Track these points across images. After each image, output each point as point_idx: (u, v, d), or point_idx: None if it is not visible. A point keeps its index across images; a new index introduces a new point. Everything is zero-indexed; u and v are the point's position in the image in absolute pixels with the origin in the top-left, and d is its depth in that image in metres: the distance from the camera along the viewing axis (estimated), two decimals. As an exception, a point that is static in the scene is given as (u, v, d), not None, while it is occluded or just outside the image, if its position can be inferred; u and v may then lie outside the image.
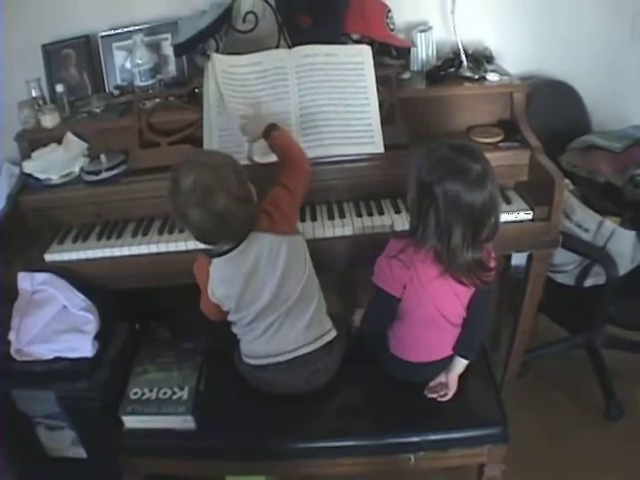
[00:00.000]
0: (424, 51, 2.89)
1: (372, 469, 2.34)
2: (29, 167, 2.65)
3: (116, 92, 2.90)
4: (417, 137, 2.50)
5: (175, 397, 2.30)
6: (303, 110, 2.57)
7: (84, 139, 2.73)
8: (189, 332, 2.58)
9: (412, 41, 2.89)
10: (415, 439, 2.21)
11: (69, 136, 2.71)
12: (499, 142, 2.62)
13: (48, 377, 2.32)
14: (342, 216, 2.51)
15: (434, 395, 2.27)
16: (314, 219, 2.51)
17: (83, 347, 2.34)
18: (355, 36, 2.79)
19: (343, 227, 2.46)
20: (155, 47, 2.88)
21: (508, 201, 2.50)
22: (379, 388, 2.34)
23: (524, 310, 2.71)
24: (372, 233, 2.46)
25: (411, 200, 2.04)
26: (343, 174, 2.55)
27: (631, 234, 2.73)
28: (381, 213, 2.51)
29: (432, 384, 2.29)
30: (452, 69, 2.79)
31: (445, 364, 2.27)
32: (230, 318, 2.27)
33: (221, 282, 2.18)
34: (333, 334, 2.32)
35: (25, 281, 2.43)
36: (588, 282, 2.81)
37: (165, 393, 2.32)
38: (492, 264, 2.11)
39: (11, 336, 2.34)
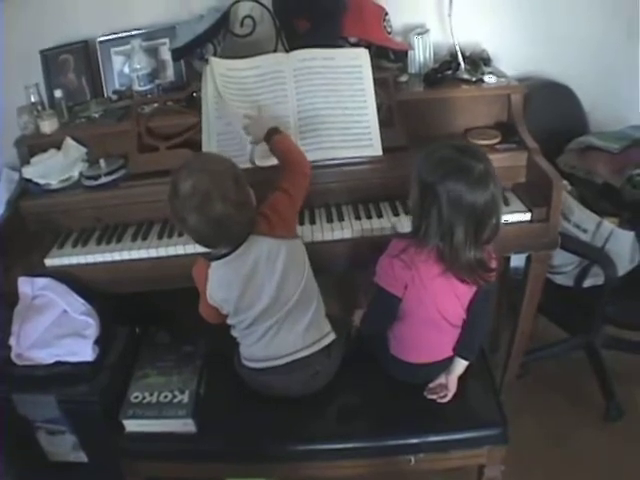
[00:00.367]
0: (421, 54, 2.90)
1: (372, 471, 2.34)
2: (28, 172, 2.66)
3: (114, 97, 2.91)
4: (415, 140, 2.51)
5: (175, 401, 2.30)
6: (301, 114, 2.57)
7: (83, 144, 2.74)
8: (189, 336, 2.58)
9: (409, 44, 2.90)
10: (415, 440, 2.22)
11: (68, 141, 2.72)
12: (497, 144, 2.63)
13: (49, 381, 2.32)
14: (341, 219, 2.52)
15: (434, 396, 2.27)
16: (313, 222, 2.52)
17: (83, 351, 2.34)
18: (353, 39, 2.80)
19: (342, 230, 2.46)
20: (153, 52, 2.89)
21: (506, 203, 2.49)
22: (379, 390, 2.34)
23: (523, 311, 2.71)
24: (371, 236, 2.46)
25: (413, 199, 2.04)
26: (341, 177, 2.56)
27: (629, 234, 2.73)
28: (380, 216, 2.51)
29: (432, 385, 2.30)
30: (449, 71, 2.79)
31: (445, 365, 2.28)
32: (229, 321, 2.28)
33: (220, 285, 2.18)
34: (332, 337, 2.32)
35: (25, 286, 2.43)
36: (587, 283, 2.82)
37: (166, 397, 2.32)
38: (493, 264, 2.11)
39: (12, 341, 2.35)
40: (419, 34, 2.89)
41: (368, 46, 2.70)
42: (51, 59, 2.93)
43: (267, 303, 2.17)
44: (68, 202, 2.64)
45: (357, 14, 2.76)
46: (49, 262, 2.52)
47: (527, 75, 3.08)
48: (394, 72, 2.82)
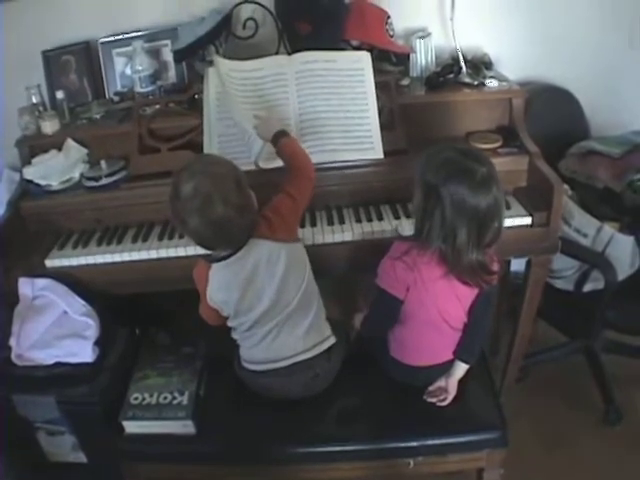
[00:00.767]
0: (423, 57, 2.90)
1: (371, 474, 2.33)
2: (29, 173, 2.66)
3: (116, 98, 2.91)
4: (416, 143, 2.50)
5: (175, 402, 2.31)
6: (303, 116, 2.58)
7: (84, 145, 2.74)
8: (189, 337, 2.58)
9: (411, 47, 2.90)
10: (414, 443, 2.22)
11: (69, 142, 2.72)
12: (498, 148, 2.63)
13: (49, 382, 2.32)
14: (341, 222, 2.52)
15: (433, 399, 2.27)
16: (313, 225, 2.52)
17: (83, 352, 2.35)
18: (355, 42, 2.81)
19: (342, 233, 2.47)
20: (155, 53, 2.89)
21: (507, 206, 2.49)
22: (378, 392, 2.34)
23: (523, 315, 2.71)
24: (371, 239, 2.46)
25: (416, 201, 2.04)
26: (342, 180, 2.56)
27: (630, 239, 2.73)
28: (380, 219, 2.51)
29: (431, 388, 2.30)
30: (451, 75, 2.80)
31: (445, 368, 2.28)
32: (229, 324, 2.28)
33: (219, 287, 2.18)
34: (332, 341, 2.32)
35: (26, 287, 2.44)
36: (587, 287, 2.81)
37: (165, 398, 2.32)
38: (495, 267, 2.12)
39: (12, 341, 2.35)
40: (421, 37, 2.89)
41: (370, 49, 2.70)
42: (53, 60, 2.93)
43: (267, 306, 2.18)
44: (69, 203, 2.64)
45: (359, 17, 2.77)
46: (49, 263, 2.52)
47: (528, 79, 3.08)
48: (396, 75, 2.82)
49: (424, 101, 2.74)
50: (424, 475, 2.36)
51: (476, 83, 2.75)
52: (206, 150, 2.58)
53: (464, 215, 1.94)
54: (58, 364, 2.35)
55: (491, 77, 2.76)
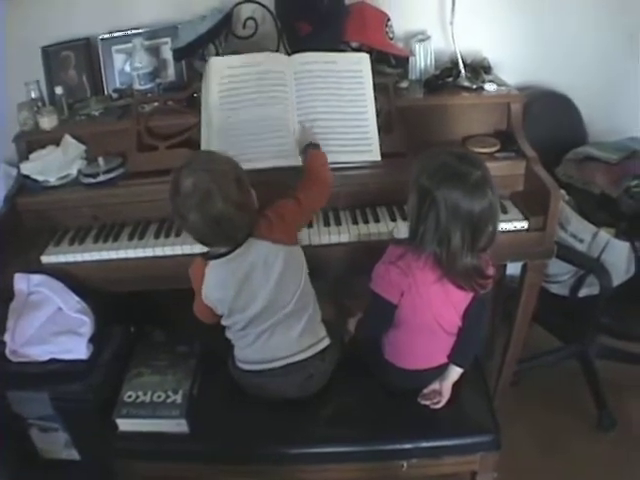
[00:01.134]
0: (422, 60, 2.90)
1: (365, 475, 2.34)
2: (27, 169, 2.65)
3: (115, 95, 2.91)
4: (414, 146, 2.50)
5: (169, 401, 2.30)
6: (301, 117, 2.57)
7: (82, 141, 2.73)
8: (184, 336, 2.58)
9: (411, 50, 2.90)
10: (408, 446, 2.22)
11: (67, 138, 2.71)
12: (495, 152, 2.63)
13: (42, 379, 2.32)
14: (338, 223, 2.52)
15: (427, 402, 2.27)
16: (310, 225, 2.51)
17: (78, 349, 2.34)
18: (354, 44, 2.81)
19: (339, 234, 2.46)
20: (155, 51, 2.89)
21: (504, 211, 2.49)
22: (372, 395, 2.34)
23: (518, 319, 2.71)
24: (368, 240, 2.46)
25: (411, 205, 2.04)
26: (339, 181, 2.54)
27: (625, 245, 2.74)
28: (377, 221, 2.51)
29: (426, 391, 2.30)
30: (450, 79, 2.80)
31: (439, 372, 2.28)
32: (223, 322, 2.28)
33: (215, 285, 2.18)
34: (327, 342, 2.32)
35: (21, 282, 2.43)
36: (582, 292, 2.82)
37: (159, 396, 2.32)
38: (490, 271, 2.12)
39: (6, 337, 2.34)
40: (420, 40, 2.89)
41: (369, 51, 2.70)
42: (52, 56, 2.93)
43: (262, 306, 2.18)
44: (66, 199, 2.64)
45: (359, 19, 2.77)
46: (45, 259, 2.51)
47: (527, 84, 3.09)
48: (395, 78, 2.82)
49: (422, 104, 2.74)
50: (417, 477, 2.37)
51: (475, 87, 2.75)
52: (204, 144, 2.58)
53: (458, 219, 1.94)
54: (52, 360, 2.34)
55: (490, 81, 2.76)
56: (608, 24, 3.05)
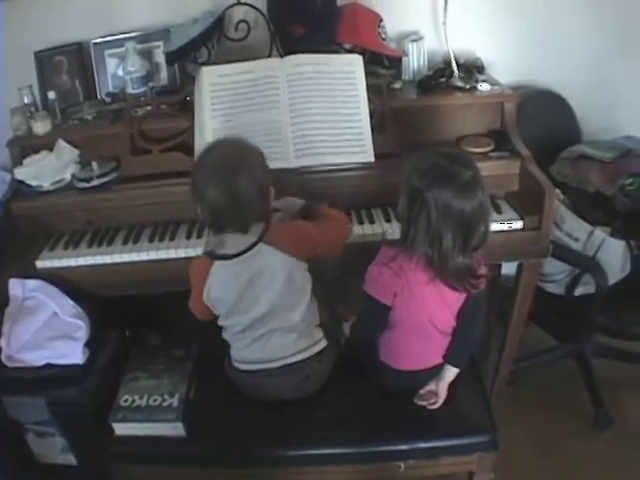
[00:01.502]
0: (415, 61, 2.90)
1: (362, 477, 2.33)
2: (21, 174, 2.65)
3: (108, 99, 2.90)
4: (408, 146, 2.49)
5: (165, 404, 2.29)
6: (294, 119, 2.57)
7: (76, 146, 2.73)
8: (180, 339, 2.57)
9: (404, 51, 2.90)
10: (405, 447, 2.22)
11: (61, 143, 2.71)
12: (489, 152, 2.63)
13: (38, 384, 2.31)
14: (333, 224, 2.51)
15: (424, 403, 2.27)
16: (305, 227, 2.51)
17: (74, 354, 2.34)
18: (347, 45, 2.81)
19: (334, 235, 2.46)
20: (147, 55, 2.88)
21: (499, 210, 2.50)
22: (369, 396, 2.33)
23: (514, 319, 2.71)
24: (363, 242, 2.46)
25: (402, 206, 2.04)
26: (333, 183, 2.55)
27: (621, 244, 2.74)
28: (372, 222, 2.52)
29: (422, 392, 2.29)
30: (443, 79, 2.80)
31: (435, 372, 2.27)
32: (220, 323, 2.27)
33: (218, 285, 2.17)
34: (324, 344, 2.32)
35: (16, 287, 2.43)
36: (578, 291, 2.82)
37: (155, 400, 2.31)
38: (482, 271, 2.11)
39: (2, 342, 2.34)
40: (413, 41, 2.89)
41: (362, 52, 2.70)
42: (45, 60, 2.92)
43: (263, 312, 2.17)
44: (60, 204, 2.63)
45: (352, 20, 2.77)
46: (40, 264, 2.51)
47: (521, 83, 3.09)
48: (388, 79, 2.82)
49: (416, 104, 2.74)
50: (415, 478, 2.36)
51: (468, 87, 2.75)
52: (197, 148, 2.58)
53: (449, 219, 1.94)
54: (48, 365, 2.34)
55: (483, 81, 2.77)
56: (601, 22, 3.06)
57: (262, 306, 2.17)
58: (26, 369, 2.33)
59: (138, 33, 2.89)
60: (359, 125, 2.58)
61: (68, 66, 2.94)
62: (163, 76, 2.94)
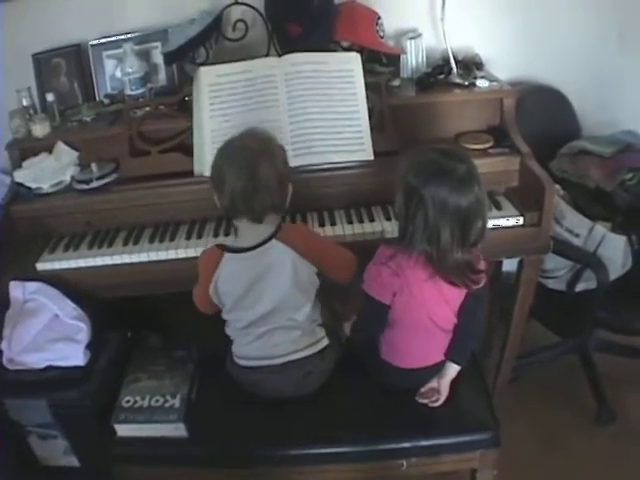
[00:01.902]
0: (414, 58, 2.90)
1: (364, 476, 2.34)
2: (20, 176, 2.65)
3: (106, 101, 2.90)
4: (407, 144, 2.48)
5: (167, 405, 2.29)
6: (293, 118, 2.57)
7: (75, 148, 2.73)
8: (181, 340, 2.57)
9: (402, 48, 2.90)
10: (407, 445, 2.21)
11: (60, 145, 2.71)
12: (489, 148, 2.63)
13: (40, 386, 2.31)
14: (333, 223, 2.51)
15: (425, 400, 2.27)
16: (305, 226, 2.51)
17: (75, 356, 2.34)
18: (345, 44, 2.81)
19: (334, 234, 2.46)
20: (145, 55, 2.89)
21: (498, 207, 2.50)
22: (370, 394, 2.33)
23: (515, 316, 2.71)
24: (363, 240, 2.46)
25: (399, 204, 2.04)
26: (333, 181, 2.56)
27: (622, 239, 2.73)
28: (372, 220, 2.51)
29: (424, 389, 2.29)
30: (442, 76, 2.80)
31: (437, 370, 2.27)
32: (224, 316, 2.28)
33: (227, 278, 2.17)
34: (325, 342, 2.32)
35: (17, 290, 2.43)
36: (579, 287, 2.82)
37: (157, 401, 2.31)
38: (481, 266, 2.11)
39: (3, 345, 2.34)
40: (411, 38, 2.89)
41: (360, 50, 2.70)
42: (43, 63, 2.92)
43: (268, 309, 2.18)
44: (60, 206, 2.63)
45: (349, 18, 2.77)
46: (40, 266, 2.51)
47: (519, 79, 3.08)
48: (386, 76, 2.82)
49: (415, 102, 2.74)
50: (417, 476, 2.36)
51: (467, 83, 2.75)
52: (196, 148, 2.59)
53: (447, 215, 1.93)
54: (49, 368, 2.34)
55: (482, 77, 2.76)
56: (599, 17, 3.05)
57: (267, 303, 2.18)
58: (27, 371, 2.33)
59: (136, 34, 2.89)
60: (358, 123, 2.58)
61: (66, 68, 2.94)
62: (161, 77, 2.94)
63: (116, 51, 2.88)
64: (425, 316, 2.13)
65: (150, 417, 2.27)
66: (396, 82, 2.86)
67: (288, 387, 2.29)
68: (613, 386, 3.08)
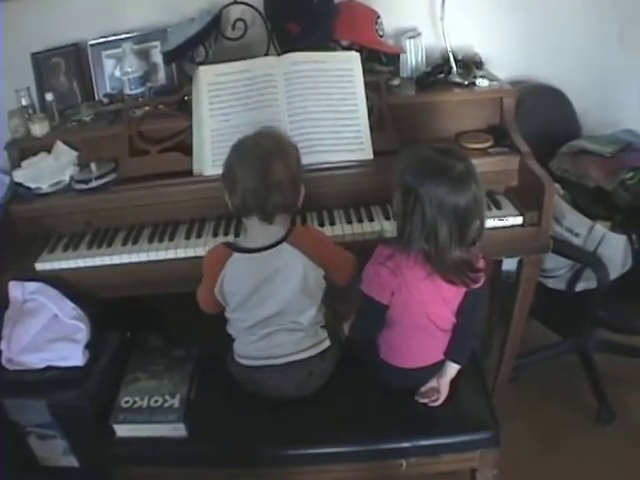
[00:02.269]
0: (413, 57, 2.90)
1: (364, 475, 2.33)
2: (19, 176, 2.65)
3: (106, 100, 2.90)
4: (406, 143, 2.46)
5: (166, 405, 2.29)
6: (292, 117, 2.57)
7: (74, 148, 2.73)
8: (180, 340, 2.58)
9: (402, 47, 2.90)
10: (406, 444, 2.21)
11: (59, 145, 2.71)
12: (489, 148, 2.62)
13: (39, 386, 2.31)
14: (332, 223, 2.51)
15: (425, 400, 2.26)
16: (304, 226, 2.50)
17: (74, 356, 2.34)
18: (344, 43, 2.81)
19: (333, 234, 2.46)
20: (144, 55, 2.88)
21: (498, 206, 2.50)
22: (370, 394, 2.33)
23: (515, 315, 2.71)
24: (362, 240, 2.45)
25: (396, 203, 2.03)
26: (332, 181, 2.55)
27: (622, 238, 2.73)
28: (371, 219, 2.51)
29: (423, 389, 2.28)
30: (442, 75, 2.80)
31: (436, 369, 2.27)
32: (228, 315, 2.27)
33: (233, 277, 2.17)
34: (327, 344, 2.32)
35: (16, 290, 2.43)
36: (579, 287, 2.81)
37: (156, 401, 2.31)
38: (480, 264, 2.11)
39: (2, 345, 2.34)
40: (411, 37, 2.89)
41: (360, 49, 2.70)
42: (42, 62, 2.92)
43: (274, 311, 2.19)
44: (59, 206, 2.63)
45: (349, 17, 2.77)
46: (40, 266, 2.50)
47: (519, 79, 3.08)
48: (386, 75, 2.81)
49: (414, 101, 2.74)
50: (417, 476, 2.35)
51: (467, 83, 2.74)
52: (196, 148, 2.59)
53: (444, 214, 1.93)
54: (49, 368, 2.34)
55: (482, 77, 2.75)
56: (599, 17, 3.05)
57: (272, 306, 2.18)
58: (27, 372, 2.33)
59: (135, 33, 2.89)
60: (357, 123, 2.57)
61: (65, 67, 2.94)
62: (161, 76, 2.94)
63: (115, 50, 2.88)
64: (424, 316, 2.13)
65: (149, 417, 2.27)
66: (396, 81, 2.86)
67: (290, 387, 2.29)
68: (613, 385, 3.08)
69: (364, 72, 2.62)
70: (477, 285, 2.10)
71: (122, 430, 2.28)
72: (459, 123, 2.73)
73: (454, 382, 2.28)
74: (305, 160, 2.43)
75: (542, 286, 2.82)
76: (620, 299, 2.78)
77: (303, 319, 2.23)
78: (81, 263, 2.50)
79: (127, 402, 2.31)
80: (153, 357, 2.49)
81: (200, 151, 2.57)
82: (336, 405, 2.31)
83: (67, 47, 2.94)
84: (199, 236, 2.53)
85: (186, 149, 2.61)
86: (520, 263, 2.60)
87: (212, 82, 2.59)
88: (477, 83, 2.73)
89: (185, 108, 2.69)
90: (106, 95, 2.92)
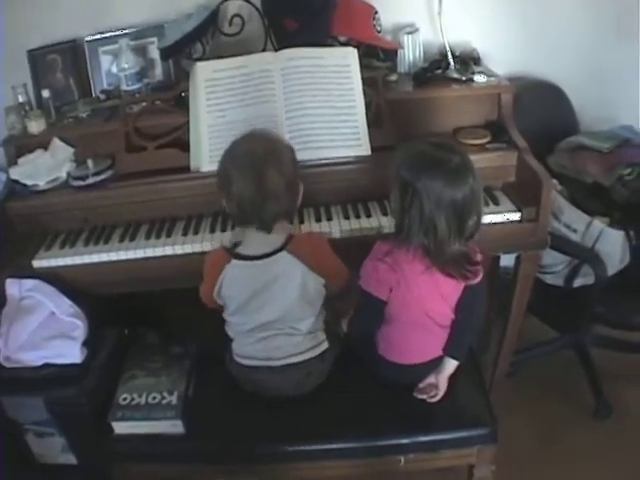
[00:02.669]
0: (411, 53, 2.90)
1: (362, 471, 2.33)
2: (16, 173, 2.64)
3: (102, 97, 2.89)
4: (404, 139, 2.46)
5: (164, 402, 2.29)
6: (289, 113, 2.57)
7: (71, 144, 2.72)
8: (178, 337, 2.58)
9: (399, 43, 2.89)
10: (405, 441, 2.21)
11: (56, 141, 2.71)
12: (486, 143, 2.62)
13: (37, 384, 2.31)
14: (329, 219, 2.51)
15: (424, 396, 2.26)
16: (301, 222, 2.51)
17: (72, 353, 2.33)
18: (342, 38, 2.80)
19: (330, 230, 2.46)
20: (141, 51, 2.88)
21: (496, 202, 2.50)
22: (368, 391, 2.33)
23: (513, 311, 2.71)
24: (360, 236, 2.45)
25: (394, 199, 2.03)
26: (330, 177, 2.55)
27: (620, 234, 2.73)
28: (368, 215, 2.51)
29: (422, 385, 2.28)
30: (439, 71, 2.79)
31: (434, 365, 2.27)
32: (226, 317, 2.27)
33: (231, 283, 2.17)
34: (326, 345, 2.32)
35: (13, 287, 2.42)
36: (577, 282, 2.82)
37: (154, 398, 2.30)
38: (478, 258, 2.11)
39: (-1, 343, 2.34)
40: (409, 33, 2.89)
41: (358, 45, 2.69)
42: (39, 59, 2.91)
43: (273, 317, 2.18)
44: (56, 203, 2.63)
45: (346, 13, 2.75)
46: (37, 263, 2.50)
47: (517, 75, 3.07)
48: (383, 71, 2.81)
49: (412, 97, 2.73)
50: (415, 472, 2.36)
51: (464, 78, 2.74)
52: (193, 144, 2.58)
53: (442, 207, 1.93)
54: (46, 365, 2.33)
55: (479, 72, 2.75)
56: (597, 12, 3.05)
57: (270, 312, 2.17)
58: (24, 369, 2.33)
59: (132, 29, 2.89)
60: (355, 119, 2.57)
61: (62, 64, 2.93)
62: (158, 72, 2.94)
63: (112, 47, 2.87)
64: (422, 312, 2.13)
65: (147, 414, 2.26)
66: (393, 77, 2.85)
67: (288, 387, 2.29)
68: (611, 381, 3.09)
69: (361, 68, 2.61)
70: (476, 279, 2.10)
71: (120, 427, 2.28)
72: (457, 119, 2.73)
73: (452, 378, 2.28)
74: (302, 156, 2.43)
75: (540, 282, 2.82)
76: (618, 295, 2.78)
77: (302, 326, 2.23)
78: (78, 260, 2.49)
79: (125, 399, 2.31)
80: (151, 354, 2.49)
81: (197, 147, 2.57)
82: (334, 402, 2.31)
83: (64, 44, 2.93)
84: (196, 232, 2.53)
85: (183, 145, 2.61)
86: (518, 259, 2.60)
87: (209, 78, 2.59)
88: (475, 79, 2.73)
89: (182, 104, 2.68)
90: (103, 91, 2.91)
